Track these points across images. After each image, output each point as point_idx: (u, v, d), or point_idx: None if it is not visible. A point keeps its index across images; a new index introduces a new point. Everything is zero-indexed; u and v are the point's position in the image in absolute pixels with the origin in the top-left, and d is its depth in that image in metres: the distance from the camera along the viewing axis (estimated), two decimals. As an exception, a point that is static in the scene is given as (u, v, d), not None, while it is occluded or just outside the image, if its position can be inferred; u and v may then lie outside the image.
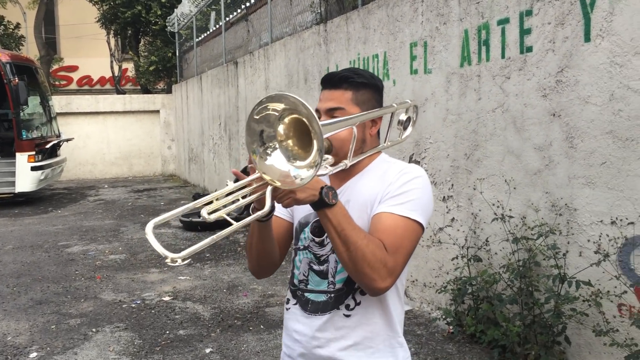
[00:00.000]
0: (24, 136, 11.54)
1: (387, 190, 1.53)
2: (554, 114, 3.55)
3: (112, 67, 23.54)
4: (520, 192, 3.87)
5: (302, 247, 1.65)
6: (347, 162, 1.49)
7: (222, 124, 11.34)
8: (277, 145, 1.32)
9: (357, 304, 1.58)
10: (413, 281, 5.11)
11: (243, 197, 1.35)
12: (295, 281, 1.67)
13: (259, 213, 1.37)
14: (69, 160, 15.10)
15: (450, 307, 4.46)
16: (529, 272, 3.66)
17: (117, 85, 24.01)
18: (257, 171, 1.34)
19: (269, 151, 1.32)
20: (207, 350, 4.30)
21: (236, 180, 1.37)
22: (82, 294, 5.82)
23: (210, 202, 1.30)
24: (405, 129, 1.75)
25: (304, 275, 1.64)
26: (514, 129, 3.88)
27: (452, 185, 4.55)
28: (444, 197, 4.65)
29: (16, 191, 11.57)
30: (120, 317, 5.08)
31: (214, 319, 4.99)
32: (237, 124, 10.21)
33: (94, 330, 4.78)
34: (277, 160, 1.32)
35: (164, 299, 5.58)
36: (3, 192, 11.66)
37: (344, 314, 1.58)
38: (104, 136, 17.18)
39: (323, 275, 1.61)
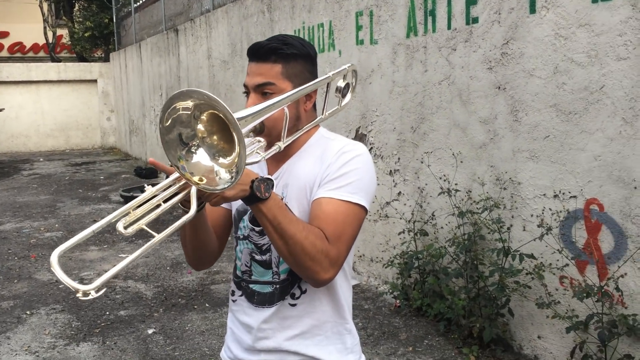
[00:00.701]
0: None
1: (326, 173, 1.42)
2: (499, 87, 3.53)
3: (45, 34, 22.29)
4: (466, 165, 3.86)
5: (242, 237, 1.54)
6: (281, 145, 1.37)
7: (164, 94, 10.94)
8: (200, 143, 1.19)
9: (303, 292, 1.49)
10: (360, 256, 5.10)
11: (165, 201, 1.22)
12: (239, 272, 1.56)
13: (184, 218, 1.25)
14: (0, 132, 14.30)
15: (397, 281, 4.47)
16: (474, 245, 3.68)
17: (51, 52, 22.80)
18: (176, 172, 1.21)
19: (192, 149, 1.19)
20: (150, 331, 4.15)
21: (152, 178, 1.24)
22: (16, 274, 5.53)
23: (128, 214, 1.17)
24: (344, 96, 1.62)
25: (246, 265, 1.54)
26: (460, 102, 3.85)
27: (399, 159, 4.51)
28: (391, 170, 4.62)
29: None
30: (56, 299, 4.84)
31: (156, 298, 4.83)
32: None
33: (28, 312, 4.55)
34: (201, 157, 1.19)
35: (103, 278, 5.36)
36: None
37: (289, 304, 1.49)
38: (38, 107, 16.33)
39: (266, 265, 1.51)
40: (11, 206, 8.79)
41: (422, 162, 4.25)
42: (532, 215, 3.39)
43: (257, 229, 1.50)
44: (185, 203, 1.28)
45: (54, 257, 1.10)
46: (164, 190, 1.24)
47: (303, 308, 1.49)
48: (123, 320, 4.36)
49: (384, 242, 4.78)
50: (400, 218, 4.49)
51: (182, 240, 1.54)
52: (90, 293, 1.08)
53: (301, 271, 1.36)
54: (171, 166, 1.20)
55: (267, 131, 1.40)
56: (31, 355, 3.81)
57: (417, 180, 4.34)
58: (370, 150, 4.86)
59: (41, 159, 14.70)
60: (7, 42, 26.10)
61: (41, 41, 24.41)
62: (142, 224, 1.18)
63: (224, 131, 1.18)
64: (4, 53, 26.20)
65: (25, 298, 4.87)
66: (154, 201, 1.21)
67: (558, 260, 3.22)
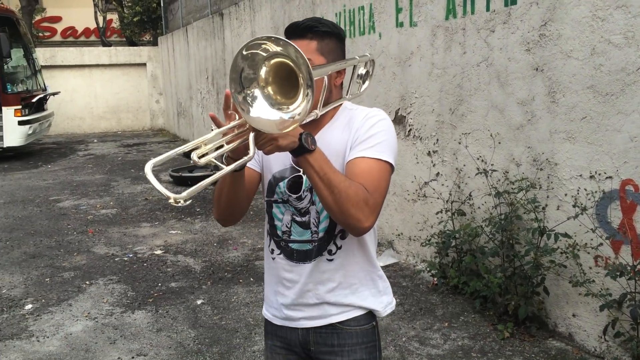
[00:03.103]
0: (9, 90, 11.39)
1: (356, 136, 1.57)
2: (537, 68, 3.57)
3: (96, 18, 23.00)
4: (503, 146, 3.92)
5: (280, 201, 1.69)
6: (318, 112, 1.51)
7: (210, 77, 11.23)
8: (258, 91, 1.32)
9: (339, 248, 1.65)
10: (399, 234, 5.23)
11: (227, 143, 1.37)
12: (279, 232, 1.71)
13: (246, 158, 1.37)
14: (56, 115, 14.96)
15: (434, 259, 4.58)
16: (510, 225, 3.75)
17: (102, 37, 23.52)
18: (238, 117, 1.35)
19: (249, 98, 1.32)
20: (199, 302, 4.42)
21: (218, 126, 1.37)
22: (75, 247, 5.90)
23: (198, 147, 1.31)
24: (364, 82, 1.78)
25: (287, 227, 1.69)
26: (498, 83, 3.90)
27: (437, 140, 4.59)
28: (429, 152, 4.71)
29: (4, 146, 11.51)
30: (113, 270, 5.18)
31: (204, 271, 5.10)
32: (225, 78, 10.10)
33: (87, 282, 4.89)
34: (262, 107, 1.32)
35: (155, 252, 5.68)
36: (-10, 146, 11.61)
37: (327, 259, 1.65)
38: (91, 90, 16.96)
39: (305, 226, 1.66)
40: (69, 185, 9.28)
41: (460, 143, 4.33)
42: (567, 196, 3.45)
43: (294, 195, 1.66)
44: (233, 154, 1.42)
45: (148, 168, 1.22)
46: (226, 134, 1.36)
47: (339, 262, 1.65)
48: (174, 292, 4.64)
49: (422, 222, 4.89)
50: (438, 198, 4.59)
51: (217, 197, 1.65)
52: (180, 201, 1.23)
53: (344, 219, 1.48)
54: (230, 112, 1.34)
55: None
56: (91, 320, 4.13)
57: (455, 161, 4.42)
58: (409, 132, 4.96)
59: (95, 140, 15.32)
60: (60, 27, 27.00)
61: (92, 25, 25.16)
62: (211, 156, 1.31)
63: (284, 84, 1.32)
64: (57, 37, 27.14)
65: (84, 269, 5.22)
66: (217, 142, 1.34)
67: (592, 239, 3.28)
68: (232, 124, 1.36)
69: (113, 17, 23.63)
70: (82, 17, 25.81)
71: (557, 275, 3.55)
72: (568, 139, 3.41)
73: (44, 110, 12.93)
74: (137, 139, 15.53)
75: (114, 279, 4.98)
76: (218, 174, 1.34)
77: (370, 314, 1.70)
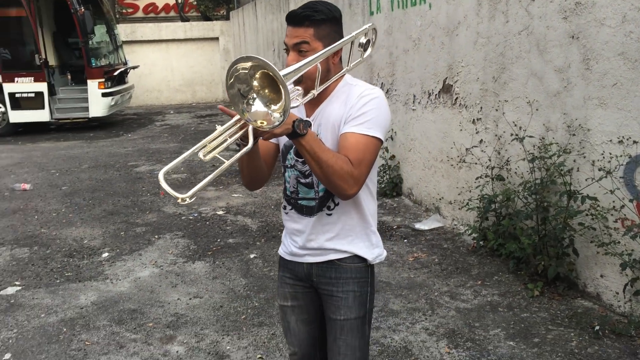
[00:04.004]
0: (93, 64, 12.26)
1: (349, 113, 1.83)
2: (572, 36, 3.64)
3: (175, -6, 23.90)
4: (540, 113, 4.03)
5: (289, 166, 2.00)
6: (315, 92, 1.79)
7: (276, 50, 11.60)
8: (255, 95, 1.61)
9: (336, 204, 1.94)
10: (440, 198, 5.42)
11: (230, 137, 1.68)
12: (288, 192, 2.03)
13: (245, 149, 1.68)
14: (136, 87, 15.90)
15: (476, 223, 4.76)
16: (544, 189, 3.88)
17: (180, 12, 24.44)
18: (237, 115, 1.65)
19: (250, 102, 1.62)
20: (252, 256, 4.84)
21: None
22: (147, 207, 6.50)
23: (205, 146, 1.64)
24: (365, 50, 2.02)
25: (294, 187, 2.00)
26: (537, 51, 3.99)
27: (481, 107, 4.72)
28: (474, 119, 4.85)
29: (90, 116, 12.45)
30: (179, 227, 5.71)
31: (260, 230, 5.53)
32: (290, 50, 10.44)
33: (156, 236, 5.44)
34: (258, 106, 1.63)
35: (218, 212, 6.17)
36: (78, 116, 12.59)
37: (326, 214, 1.95)
38: (167, 64, 17.85)
39: (309, 186, 1.96)
40: (145, 152, 10.02)
41: (499, 111, 4.45)
42: (597, 160, 3.54)
43: (300, 159, 1.95)
44: (244, 139, 1.72)
45: (161, 175, 1.60)
46: (229, 129, 1.69)
47: (337, 216, 1.94)
48: (230, 247, 5.10)
49: (465, 187, 5.06)
50: (480, 164, 4.74)
51: (240, 169, 1.98)
52: (186, 200, 1.59)
53: (332, 188, 1.79)
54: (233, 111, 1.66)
55: (304, 82, 1.82)
56: (157, 268, 4.65)
57: (496, 128, 4.55)
58: (455, 100, 5.10)
59: (171, 112, 16.20)
60: (141, 4, 28.23)
61: (172, 1, 26.18)
62: (215, 152, 1.64)
63: (273, 85, 1.61)
64: (139, 14, 28.42)
65: (154, 225, 5.79)
66: (222, 137, 1.66)
67: (617, 202, 3.37)
68: (234, 119, 1.67)
69: (190, -8, 24.46)
70: (163, -8, 26.85)
71: (585, 237, 3.67)
72: (600, 105, 3.49)
73: (125, 83, 13.82)
74: (209, 110, 16.27)
75: (179, 234, 5.50)
76: (221, 169, 1.66)
77: (364, 259, 1.99)
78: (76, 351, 3.41)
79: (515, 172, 4.32)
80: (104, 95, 12.29)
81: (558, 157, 3.73)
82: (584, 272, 3.78)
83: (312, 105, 1.94)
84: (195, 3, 22.46)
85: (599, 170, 3.43)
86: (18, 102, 12.05)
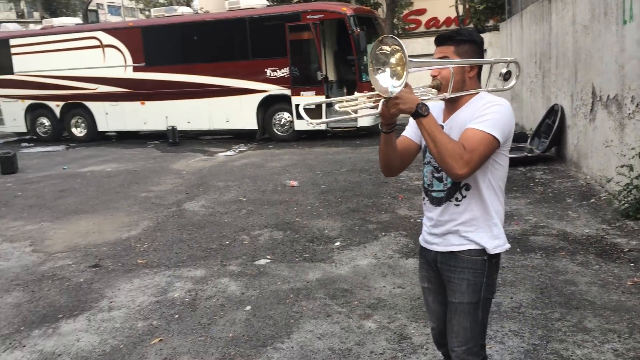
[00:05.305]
0: (364, 79, 13.66)
1: (475, 115, 2.17)
2: None
3: (456, 7, 24.59)
4: None
5: (427, 162, 2.40)
6: (446, 95, 2.19)
7: (538, 61, 11.31)
8: (387, 68, 2.05)
9: (463, 197, 2.28)
10: None
11: (364, 104, 2.22)
12: (425, 185, 2.43)
13: (371, 111, 2.18)
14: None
15: None
16: None
17: (460, 24, 25.02)
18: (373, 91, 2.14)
19: (380, 70, 2.06)
20: (462, 260, 5.13)
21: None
22: (384, 208, 7.24)
23: (342, 102, 2.22)
24: (505, 80, 2.28)
25: (430, 181, 2.39)
26: None
27: None
28: None
29: (358, 126, 13.91)
30: (405, 228, 6.29)
31: (478, 238, 5.74)
32: (549, 61, 10.13)
33: (383, 234, 6.11)
34: (384, 77, 2.07)
35: (444, 218, 6.55)
36: (348, 126, 14.17)
37: (454, 204, 2.30)
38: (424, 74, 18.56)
39: (440, 180, 2.34)
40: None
41: None
42: None
43: None
44: (385, 118, 2.19)
45: (301, 107, 2.30)
46: (364, 98, 2.23)
47: (463, 207, 2.28)
48: (445, 249, 5.45)
49: None
50: None
51: (378, 151, 2.42)
52: (314, 124, 2.19)
53: (443, 165, 2.13)
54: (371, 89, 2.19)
55: (442, 88, 2.23)
56: (375, 259, 5.30)
57: None
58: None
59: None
60: (424, 19, 29.50)
61: (453, 14, 26.81)
62: (348, 108, 2.21)
63: (401, 66, 2.04)
64: (421, 29, 29.79)
65: (384, 224, 6.47)
66: (357, 102, 2.23)
67: None
68: (370, 93, 2.17)
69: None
70: (444, 7, 27.58)
71: None
72: None
73: (391, 95, 14.97)
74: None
75: (403, 233, 6.07)
76: (348, 117, 2.26)
77: (483, 251, 2.27)
78: (295, 313, 4.26)
79: None
80: (372, 107, 13.55)
81: None
82: None
83: (449, 112, 2.33)
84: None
85: None
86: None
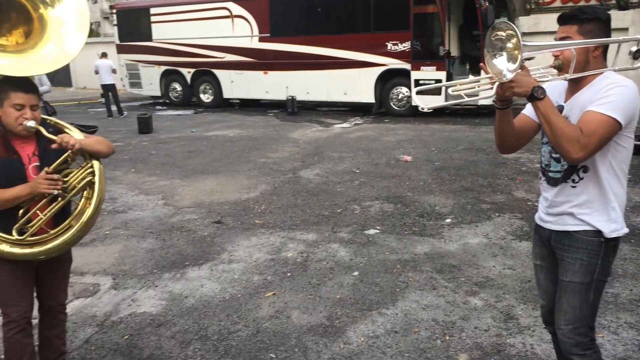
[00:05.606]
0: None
1: (596, 97, 2.09)
2: None
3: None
4: None
5: (545, 142, 2.36)
6: (567, 76, 2.12)
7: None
8: (504, 53, 2.05)
9: (580, 178, 2.23)
10: None
11: (478, 87, 2.22)
12: (543, 165, 2.39)
13: (486, 95, 2.21)
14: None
15: None
16: None
17: (602, 0, 23.13)
18: (490, 74, 2.14)
19: (497, 55, 2.06)
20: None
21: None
22: (500, 189, 7.06)
23: (455, 86, 2.24)
24: (635, 59, 2.16)
25: (547, 161, 2.36)
26: None
27: None
28: None
29: (478, 104, 13.49)
30: (520, 210, 6.11)
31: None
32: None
33: (496, 214, 5.99)
34: (500, 61, 2.07)
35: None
36: (468, 103, 13.79)
37: (571, 186, 2.26)
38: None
39: (558, 160, 2.30)
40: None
41: None
42: None
43: None
44: (500, 99, 2.18)
45: (413, 93, 2.40)
46: (479, 82, 2.23)
47: (580, 189, 2.24)
48: (562, 235, 5.26)
49: None
50: None
51: (494, 129, 2.40)
52: (424, 108, 2.25)
53: (559, 149, 2.10)
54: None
55: (564, 68, 2.18)
56: (486, 239, 5.24)
57: None
58: None
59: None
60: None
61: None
62: (461, 91, 2.22)
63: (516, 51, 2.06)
64: (557, 3, 27.90)
65: (499, 205, 6.33)
66: (470, 85, 2.23)
67: None
68: (486, 76, 2.17)
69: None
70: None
71: None
72: None
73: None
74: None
75: (518, 216, 5.92)
76: (462, 101, 2.32)
77: (600, 232, 2.22)
78: (401, 282, 4.36)
79: None
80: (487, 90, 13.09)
81: None
82: None
83: (571, 92, 2.28)
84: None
85: None
86: (420, 88, 13.98)
